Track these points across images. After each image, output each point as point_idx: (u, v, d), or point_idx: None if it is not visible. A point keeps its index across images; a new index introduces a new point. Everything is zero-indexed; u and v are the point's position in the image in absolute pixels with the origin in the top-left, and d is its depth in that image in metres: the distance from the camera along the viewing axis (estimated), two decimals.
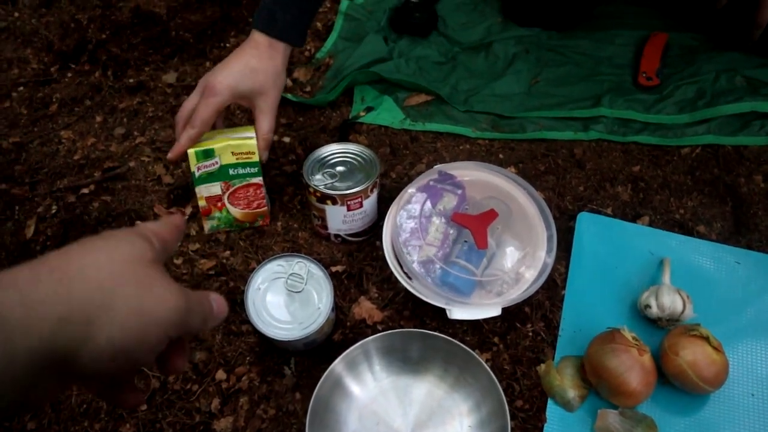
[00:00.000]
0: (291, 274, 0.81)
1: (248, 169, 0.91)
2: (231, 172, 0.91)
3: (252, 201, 0.94)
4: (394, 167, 1.05)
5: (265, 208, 0.96)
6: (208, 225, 0.96)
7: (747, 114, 1.08)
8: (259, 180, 0.93)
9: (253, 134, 0.91)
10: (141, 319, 0.34)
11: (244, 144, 0.89)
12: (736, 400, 0.82)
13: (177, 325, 0.37)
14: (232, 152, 0.89)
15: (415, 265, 0.82)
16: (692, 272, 0.92)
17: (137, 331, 0.34)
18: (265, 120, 0.90)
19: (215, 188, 0.92)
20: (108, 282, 0.34)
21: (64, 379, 0.33)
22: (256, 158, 0.90)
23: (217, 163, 0.90)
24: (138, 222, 0.41)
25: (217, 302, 0.43)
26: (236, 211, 0.95)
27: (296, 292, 0.80)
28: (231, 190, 0.93)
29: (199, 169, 0.90)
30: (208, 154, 0.89)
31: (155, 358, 0.38)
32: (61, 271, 0.33)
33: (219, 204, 0.94)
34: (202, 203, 0.93)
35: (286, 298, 0.80)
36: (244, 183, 0.92)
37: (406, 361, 0.81)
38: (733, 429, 0.80)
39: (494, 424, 0.74)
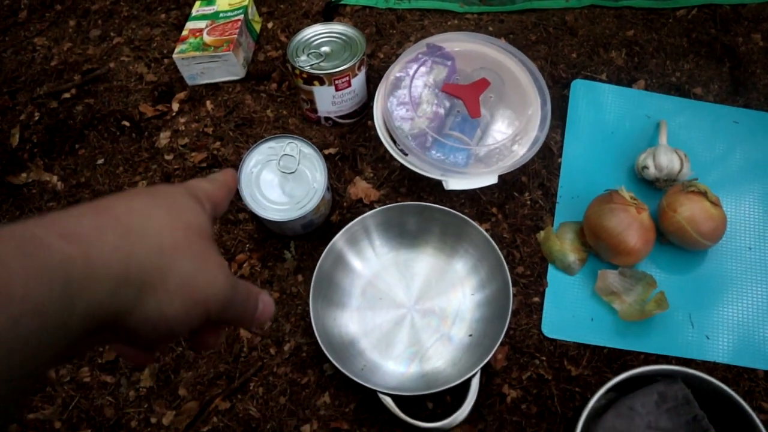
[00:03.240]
0: (283, 155, 0.79)
1: (237, 11, 1.02)
2: (221, 15, 1.02)
3: (226, 31, 0.99)
4: (382, 47, 1.02)
5: (235, 36, 0.98)
6: (177, 48, 0.99)
7: None
8: (241, 16, 1.01)
9: None
10: (190, 295, 0.32)
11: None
12: (734, 254, 0.82)
13: (219, 310, 0.34)
14: (229, 3, 1.04)
15: (409, 139, 0.81)
16: (690, 133, 0.90)
17: (184, 305, 0.31)
18: None
19: (201, 24, 1.02)
20: (168, 248, 0.31)
21: (105, 337, 0.32)
22: (246, 2, 1.03)
23: (214, 9, 1.04)
24: (191, 181, 0.37)
25: (265, 303, 0.38)
26: (208, 38, 0.99)
27: (290, 173, 0.79)
28: (214, 25, 1.01)
29: (197, 11, 1.04)
30: (210, 2, 1.05)
31: (190, 333, 0.36)
32: (124, 226, 0.30)
33: (197, 34, 1.00)
34: (184, 33, 1.01)
35: (280, 179, 0.79)
36: (228, 21, 1.01)
37: (405, 235, 0.81)
38: (730, 282, 0.81)
39: (494, 285, 0.75)
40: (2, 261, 0.24)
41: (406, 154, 0.80)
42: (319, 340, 0.70)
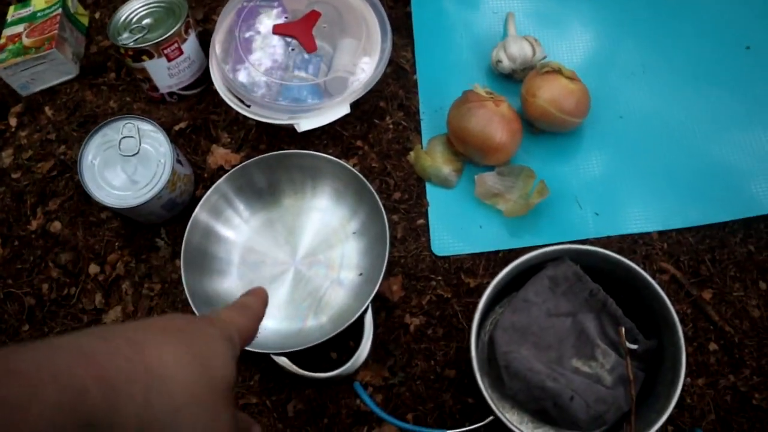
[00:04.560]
0: (122, 138, 0.74)
1: (53, 7, 0.94)
2: (38, 15, 0.94)
3: (46, 30, 0.92)
4: (215, 9, 0.96)
5: (55, 32, 0.91)
6: None
7: None
8: (59, 11, 0.93)
9: None
10: None
11: None
12: (606, 126, 0.81)
13: None
14: (45, 1, 0.95)
15: (249, 89, 0.76)
16: (540, 19, 0.88)
17: None
18: None
19: (19, 28, 0.93)
20: (185, 407, 0.30)
21: None
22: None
23: (30, 10, 0.95)
24: (226, 315, 0.38)
25: None
26: (28, 41, 0.92)
27: (133, 154, 0.73)
28: (32, 26, 0.93)
29: (13, 16, 0.95)
30: (25, 4, 0.96)
31: None
32: (151, 376, 0.29)
33: (16, 39, 0.92)
34: (2, 41, 0.93)
35: (123, 165, 0.73)
36: (47, 18, 0.93)
37: (265, 191, 0.77)
38: (609, 154, 0.79)
39: (364, 211, 0.73)
40: (41, 407, 0.24)
41: (250, 106, 0.76)
42: (197, 314, 0.66)
